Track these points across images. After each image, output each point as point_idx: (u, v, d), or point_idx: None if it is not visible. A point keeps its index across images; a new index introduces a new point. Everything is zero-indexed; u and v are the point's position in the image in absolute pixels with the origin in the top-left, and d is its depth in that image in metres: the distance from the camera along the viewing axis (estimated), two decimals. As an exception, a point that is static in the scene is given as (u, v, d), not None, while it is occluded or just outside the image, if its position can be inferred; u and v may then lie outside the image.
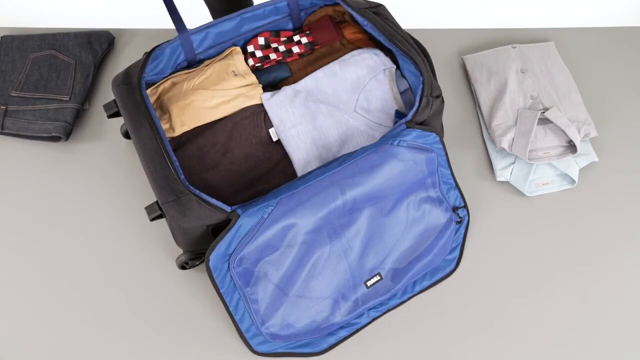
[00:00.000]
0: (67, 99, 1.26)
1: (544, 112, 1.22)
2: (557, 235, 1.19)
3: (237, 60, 1.17)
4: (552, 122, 1.22)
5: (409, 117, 1.05)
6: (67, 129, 1.24)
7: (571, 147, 1.21)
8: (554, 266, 1.16)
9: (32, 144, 1.27)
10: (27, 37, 1.32)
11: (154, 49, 1.09)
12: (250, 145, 1.13)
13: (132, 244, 1.17)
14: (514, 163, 1.22)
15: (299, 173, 1.13)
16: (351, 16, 1.22)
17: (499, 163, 1.23)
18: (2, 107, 1.25)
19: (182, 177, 0.98)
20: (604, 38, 1.41)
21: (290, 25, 1.23)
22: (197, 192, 0.97)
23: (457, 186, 1.13)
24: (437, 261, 1.12)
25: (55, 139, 1.25)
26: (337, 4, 1.22)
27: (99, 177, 1.24)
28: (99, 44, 1.33)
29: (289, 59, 1.21)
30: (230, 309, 1.02)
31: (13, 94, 1.26)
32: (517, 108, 1.24)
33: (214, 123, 1.13)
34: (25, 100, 1.26)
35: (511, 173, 1.21)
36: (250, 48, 1.20)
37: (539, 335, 1.10)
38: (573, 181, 1.22)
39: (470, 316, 1.11)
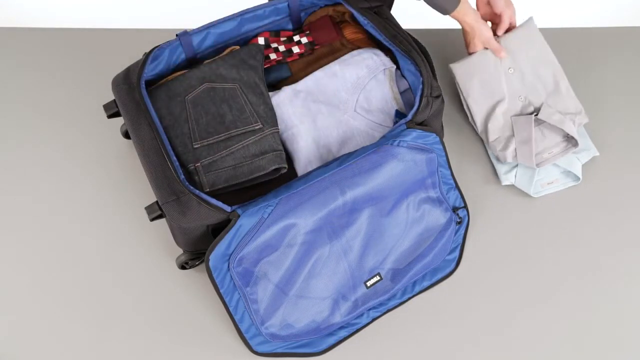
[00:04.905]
0: (261, 126, 1.08)
1: (536, 115, 1.20)
2: (563, 234, 1.19)
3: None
4: (545, 122, 1.21)
5: (409, 117, 1.05)
6: (283, 156, 1.08)
7: (570, 139, 1.20)
8: (557, 266, 1.16)
9: (33, 135, 1.27)
10: (170, 82, 1.12)
11: (153, 49, 1.09)
12: (250, 145, 1.13)
13: (132, 244, 1.17)
14: (516, 166, 1.21)
15: (299, 173, 1.13)
16: (351, 16, 1.22)
17: (502, 167, 1.22)
18: (195, 165, 1.06)
19: (182, 177, 0.98)
20: (604, 38, 1.41)
21: (290, 26, 1.23)
22: (197, 192, 0.97)
23: (457, 186, 1.13)
24: (437, 261, 1.12)
25: (273, 172, 1.09)
26: (338, 3, 1.22)
27: (99, 177, 1.24)
28: (253, 58, 1.13)
29: (289, 59, 1.21)
30: (230, 309, 1.02)
31: (196, 146, 1.07)
32: (510, 115, 1.22)
33: (215, 123, 1.13)
34: (213, 148, 1.07)
35: (515, 176, 1.21)
36: (250, 48, 1.19)
37: (540, 335, 1.10)
38: (577, 178, 1.22)
39: (471, 316, 1.11)
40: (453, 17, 1.14)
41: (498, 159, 1.23)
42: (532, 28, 1.23)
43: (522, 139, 1.18)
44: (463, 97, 1.24)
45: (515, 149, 1.18)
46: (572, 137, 1.19)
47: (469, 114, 1.25)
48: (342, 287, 1.05)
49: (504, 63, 1.22)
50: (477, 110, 1.22)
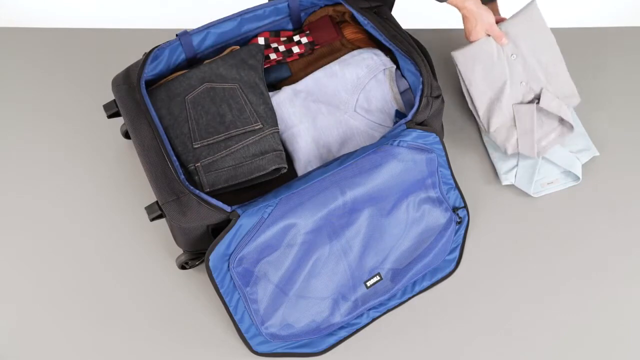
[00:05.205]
0: (261, 126, 1.07)
1: (537, 102, 1.18)
2: (563, 234, 1.18)
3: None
4: (543, 109, 1.18)
5: (409, 117, 1.05)
6: (283, 156, 1.08)
7: (565, 122, 1.18)
8: (557, 266, 1.16)
9: (33, 135, 1.27)
10: (170, 82, 1.11)
11: (153, 49, 1.09)
12: (250, 145, 1.13)
13: (132, 244, 1.17)
14: (517, 165, 1.21)
15: (299, 173, 1.13)
16: (351, 16, 1.22)
17: (502, 167, 1.22)
18: (195, 165, 1.06)
19: (182, 176, 0.98)
20: (604, 38, 1.41)
21: (290, 26, 1.23)
22: (197, 192, 0.97)
23: (457, 186, 1.13)
24: (437, 261, 1.12)
25: (273, 172, 1.09)
26: (338, 3, 1.22)
27: (99, 177, 1.24)
28: (253, 58, 1.13)
29: (289, 59, 1.21)
30: (230, 309, 1.02)
31: (196, 146, 1.07)
32: (512, 103, 1.19)
33: (215, 123, 1.13)
34: (213, 148, 1.07)
35: (515, 176, 1.21)
36: (250, 48, 1.19)
37: (540, 335, 1.10)
38: (577, 178, 1.22)
39: (471, 316, 1.11)
40: (452, 4, 1.11)
41: (497, 149, 1.22)
42: (534, 11, 1.20)
43: (524, 130, 1.17)
44: (465, 85, 1.21)
45: (517, 140, 1.17)
46: (567, 121, 1.18)
47: (469, 101, 1.22)
48: (342, 287, 1.05)
49: (507, 50, 1.18)
50: (480, 98, 1.20)
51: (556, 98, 1.17)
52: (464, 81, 1.21)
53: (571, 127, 1.18)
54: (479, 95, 1.20)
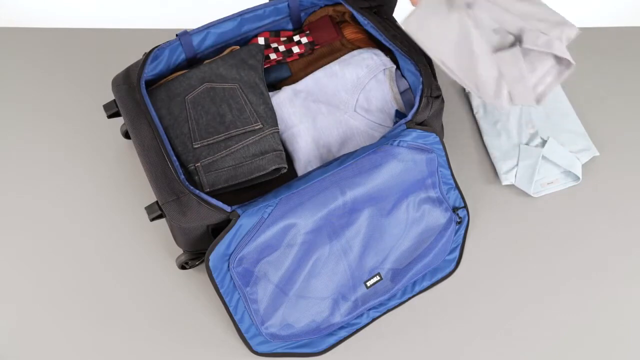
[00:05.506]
0: (261, 126, 1.07)
1: (520, 44, 0.99)
2: (563, 234, 1.19)
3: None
4: (532, 50, 1.00)
5: (409, 117, 1.05)
6: (283, 156, 1.07)
7: (562, 60, 1.00)
8: (557, 266, 1.16)
9: (33, 135, 1.27)
10: (170, 82, 1.11)
11: (153, 49, 1.09)
12: (250, 145, 1.13)
13: (132, 244, 1.17)
14: (517, 165, 1.21)
15: (300, 173, 1.13)
16: (351, 16, 1.22)
17: (502, 167, 1.22)
18: (195, 165, 1.06)
19: (182, 176, 0.98)
20: (604, 38, 1.41)
21: (290, 26, 1.23)
22: (197, 192, 0.97)
23: (457, 186, 1.13)
24: (437, 261, 1.12)
25: (273, 172, 1.09)
26: (338, 3, 1.22)
27: (99, 177, 1.24)
28: (253, 58, 1.12)
29: (289, 59, 1.21)
30: (230, 309, 1.02)
31: (196, 146, 1.07)
32: (492, 52, 1.00)
33: (215, 123, 1.13)
34: (213, 148, 1.07)
35: (515, 176, 1.21)
36: (250, 48, 1.19)
37: (539, 335, 1.10)
38: (577, 178, 1.22)
39: (470, 316, 1.11)
40: None
41: (497, 148, 1.21)
42: None
43: (513, 78, 1.00)
44: (432, 53, 1.01)
45: (509, 92, 1.00)
46: (564, 58, 0.99)
47: (446, 70, 1.02)
48: (342, 287, 1.05)
49: (457, 2, 0.99)
50: (450, 60, 1.01)
51: (542, 34, 1.00)
52: (428, 50, 1.01)
53: (569, 64, 1.00)
54: (451, 59, 1.01)
